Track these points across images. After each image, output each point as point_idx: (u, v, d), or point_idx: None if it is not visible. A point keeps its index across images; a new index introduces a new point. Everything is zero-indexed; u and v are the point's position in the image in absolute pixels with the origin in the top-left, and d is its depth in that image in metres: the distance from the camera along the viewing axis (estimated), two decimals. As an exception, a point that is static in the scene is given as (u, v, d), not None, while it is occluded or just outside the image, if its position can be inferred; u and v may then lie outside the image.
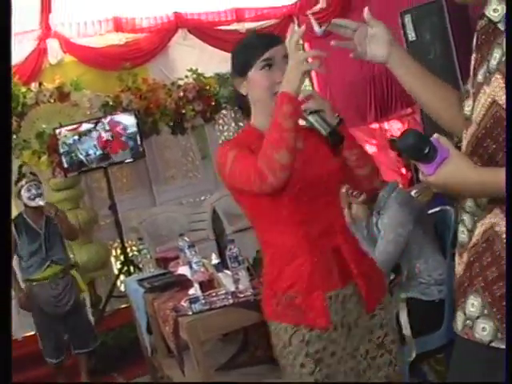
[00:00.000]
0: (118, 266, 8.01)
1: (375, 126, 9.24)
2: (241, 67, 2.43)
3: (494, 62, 1.66)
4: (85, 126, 7.60)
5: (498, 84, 1.63)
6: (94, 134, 7.61)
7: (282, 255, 2.39)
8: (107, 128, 7.68)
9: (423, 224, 3.72)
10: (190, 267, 4.15)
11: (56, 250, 5.58)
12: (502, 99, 1.62)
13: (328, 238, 2.38)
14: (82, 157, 7.53)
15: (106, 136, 7.64)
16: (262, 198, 2.31)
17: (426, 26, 7.11)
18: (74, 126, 7.54)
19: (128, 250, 8.01)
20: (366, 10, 2.13)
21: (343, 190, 3.65)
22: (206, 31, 9.47)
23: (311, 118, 2.33)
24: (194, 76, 8.87)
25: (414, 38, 7.15)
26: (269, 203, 2.31)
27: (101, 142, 7.62)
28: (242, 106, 2.53)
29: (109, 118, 7.77)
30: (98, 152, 7.62)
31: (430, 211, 3.97)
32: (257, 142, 2.32)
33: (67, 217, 5.72)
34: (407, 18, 7.18)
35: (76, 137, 7.50)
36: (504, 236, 1.66)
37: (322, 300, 2.33)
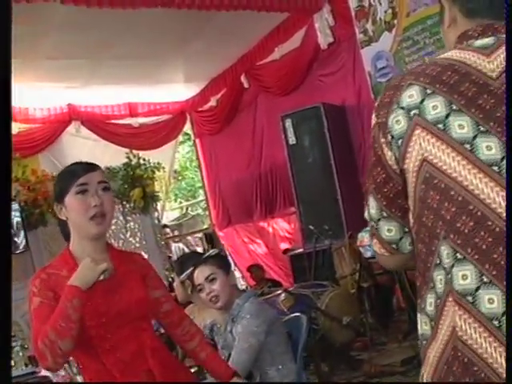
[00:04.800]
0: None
1: (263, 224, 9.43)
2: (58, 193, 2.48)
3: None
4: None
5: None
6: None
7: (100, 379, 2.43)
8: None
9: (277, 333, 3.81)
10: (52, 370, 4.12)
11: None
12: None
13: (139, 361, 2.43)
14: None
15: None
16: None
17: (306, 130, 7.34)
18: None
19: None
20: None
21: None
22: (98, 124, 9.56)
23: None
24: (84, 169, 8.87)
25: (294, 142, 7.37)
26: (80, 333, 2.32)
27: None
28: (65, 231, 2.56)
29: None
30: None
31: (285, 319, 4.07)
32: (68, 274, 2.37)
33: None
34: (288, 122, 7.39)
35: None
36: None
37: None
